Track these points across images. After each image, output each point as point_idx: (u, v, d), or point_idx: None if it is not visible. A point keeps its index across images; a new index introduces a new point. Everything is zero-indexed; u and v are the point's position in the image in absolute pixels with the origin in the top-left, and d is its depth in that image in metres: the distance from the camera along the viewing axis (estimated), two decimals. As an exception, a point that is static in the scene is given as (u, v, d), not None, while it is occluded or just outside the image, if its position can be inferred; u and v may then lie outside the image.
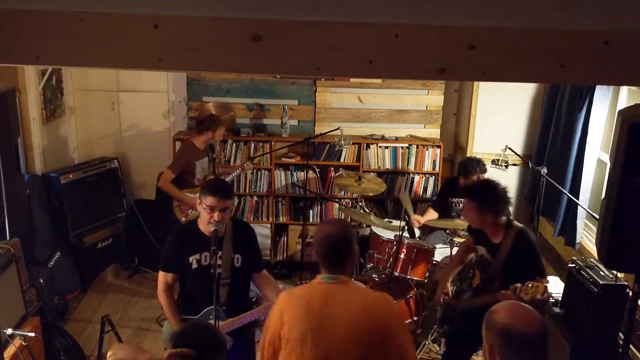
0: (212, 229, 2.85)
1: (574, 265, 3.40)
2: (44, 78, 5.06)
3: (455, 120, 5.94)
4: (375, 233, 4.58)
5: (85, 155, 5.73)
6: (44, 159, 5.07)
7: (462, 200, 4.76)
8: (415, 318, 4.34)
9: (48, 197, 4.95)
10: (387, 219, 5.06)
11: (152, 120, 5.82)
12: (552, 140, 4.74)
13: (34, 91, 4.88)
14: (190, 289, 3.08)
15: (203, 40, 1.99)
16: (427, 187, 5.64)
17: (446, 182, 5.20)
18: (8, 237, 3.23)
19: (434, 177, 5.62)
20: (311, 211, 5.64)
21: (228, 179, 5.04)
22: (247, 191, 5.65)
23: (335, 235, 2.30)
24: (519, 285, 2.95)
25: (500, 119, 5.32)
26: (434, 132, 5.74)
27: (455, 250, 4.23)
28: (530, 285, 2.91)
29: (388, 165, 5.63)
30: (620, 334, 3.07)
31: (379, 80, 5.53)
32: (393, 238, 4.37)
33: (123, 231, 5.60)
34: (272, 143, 5.53)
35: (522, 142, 5.41)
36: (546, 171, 4.22)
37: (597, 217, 3.05)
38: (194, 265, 3.01)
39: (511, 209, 4.68)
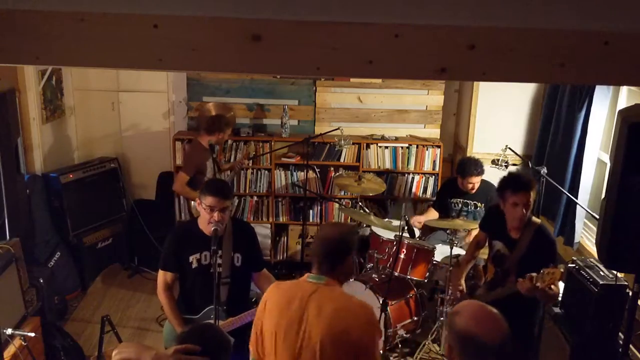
0: (212, 228, 2.85)
1: (573, 265, 3.40)
2: (44, 78, 5.07)
3: (455, 120, 5.94)
4: (375, 233, 4.58)
5: (85, 155, 5.73)
6: (44, 159, 5.07)
7: (461, 200, 4.80)
8: (415, 318, 4.35)
9: (48, 197, 4.96)
10: (387, 219, 5.06)
11: (152, 120, 5.82)
12: (552, 140, 4.74)
13: (34, 91, 4.88)
14: (191, 288, 3.09)
15: (203, 40, 1.99)
16: (427, 187, 5.64)
17: (445, 182, 5.20)
18: (8, 237, 3.24)
19: (434, 177, 5.62)
20: (311, 211, 5.64)
21: (228, 177, 5.06)
22: (247, 191, 5.65)
23: (334, 239, 2.30)
24: (534, 274, 2.94)
25: (500, 119, 5.32)
26: (433, 132, 5.74)
27: (455, 250, 4.23)
28: (546, 273, 2.90)
29: (388, 165, 5.63)
30: (620, 334, 3.07)
31: (379, 80, 5.53)
32: (393, 238, 4.37)
33: (123, 231, 5.60)
34: (272, 143, 5.53)
35: (522, 142, 5.40)
36: (546, 171, 4.22)
37: (597, 216, 3.05)
38: (194, 265, 3.01)
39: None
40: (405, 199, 5.00)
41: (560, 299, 3.57)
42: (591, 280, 3.18)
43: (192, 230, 3.05)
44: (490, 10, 1.96)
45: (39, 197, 4.85)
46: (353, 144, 5.41)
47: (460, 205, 4.80)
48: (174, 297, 3.11)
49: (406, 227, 4.12)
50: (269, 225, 5.70)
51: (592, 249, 4.13)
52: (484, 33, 1.96)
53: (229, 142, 5.52)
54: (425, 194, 5.63)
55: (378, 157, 5.60)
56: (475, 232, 4.13)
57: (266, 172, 5.60)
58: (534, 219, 3.32)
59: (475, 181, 4.63)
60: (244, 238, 3.11)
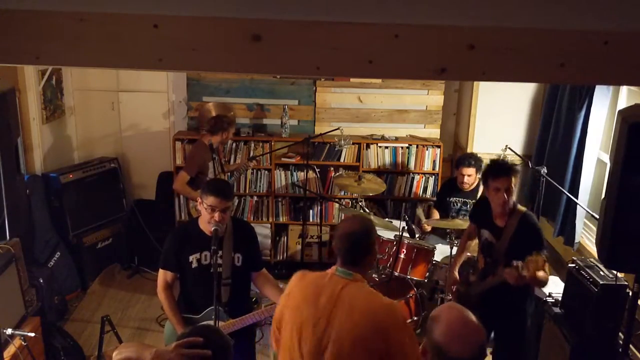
0: (213, 228, 2.85)
1: (573, 265, 3.40)
2: (44, 78, 5.07)
3: (455, 120, 5.94)
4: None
5: (85, 155, 5.73)
6: (44, 159, 5.07)
7: (460, 199, 4.80)
8: (415, 318, 4.34)
9: (48, 197, 4.96)
10: (387, 219, 5.06)
11: (152, 120, 5.82)
12: (552, 140, 4.75)
13: (34, 91, 4.88)
14: (191, 288, 3.09)
15: (203, 40, 1.99)
16: (427, 187, 5.64)
17: (445, 182, 5.21)
18: (8, 237, 3.23)
19: (434, 177, 5.62)
20: (311, 211, 5.64)
21: (232, 178, 5.07)
22: (247, 191, 5.65)
23: (357, 232, 2.29)
24: (520, 263, 2.99)
25: (500, 119, 5.32)
26: (433, 132, 5.74)
27: (455, 250, 4.23)
28: (529, 260, 2.96)
29: (388, 165, 5.63)
30: (620, 334, 3.07)
31: (379, 80, 5.53)
32: (393, 238, 4.37)
33: (123, 231, 5.60)
34: (272, 143, 5.53)
35: (522, 142, 5.41)
36: (546, 171, 4.22)
37: (597, 216, 3.05)
38: (194, 265, 3.01)
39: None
40: (423, 204, 5.07)
41: (560, 299, 3.57)
42: (591, 280, 3.18)
43: (193, 230, 3.05)
44: (490, 10, 1.96)
45: (39, 197, 4.85)
46: (353, 144, 5.42)
47: (459, 204, 4.80)
48: (173, 297, 3.11)
49: (406, 227, 4.13)
50: (269, 225, 5.70)
51: (592, 249, 4.13)
52: (484, 33, 1.97)
53: (229, 142, 5.51)
54: (425, 194, 5.63)
55: (378, 157, 5.60)
56: None
57: (266, 172, 5.60)
58: (520, 206, 3.36)
59: (468, 173, 4.63)
60: (244, 238, 3.11)
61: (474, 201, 4.77)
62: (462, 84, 5.72)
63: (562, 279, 3.85)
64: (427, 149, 5.56)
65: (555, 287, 3.80)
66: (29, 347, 3.26)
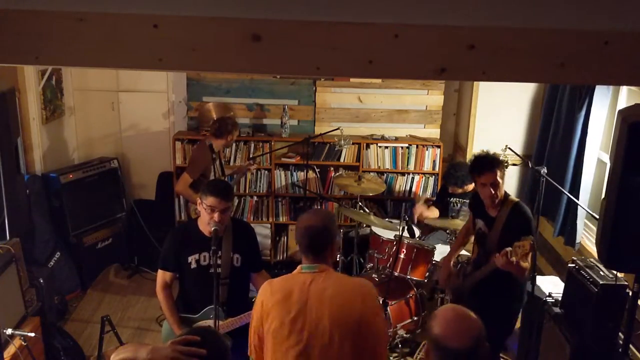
0: (213, 228, 2.85)
1: (573, 265, 3.40)
2: (44, 78, 5.06)
3: (455, 120, 5.94)
4: (375, 233, 4.58)
5: (85, 155, 5.73)
6: (44, 159, 5.07)
7: (460, 200, 4.79)
8: (415, 318, 4.34)
9: (48, 197, 4.95)
10: (387, 219, 5.06)
11: (152, 120, 5.82)
12: (552, 140, 4.74)
13: (34, 91, 4.88)
14: (189, 288, 3.09)
15: (203, 40, 1.99)
16: (427, 187, 5.64)
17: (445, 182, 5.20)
18: (8, 237, 3.23)
19: (433, 177, 5.62)
20: (311, 211, 5.63)
21: (234, 180, 5.06)
22: (247, 191, 5.65)
23: (316, 225, 2.32)
24: (509, 249, 3.05)
25: (500, 119, 5.32)
26: (433, 132, 5.74)
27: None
28: (516, 245, 3.02)
29: (388, 165, 5.63)
30: (620, 334, 3.07)
31: (379, 80, 5.53)
32: (393, 238, 4.37)
33: (123, 231, 5.60)
34: (272, 143, 5.53)
35: (522, 142, 5.41)
36: (546, 171, 4.21)
37: (597, 217, 3.05)
38: (193, 265, 3.01)
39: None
40: (419, 198, 5.05)
41: (560, 299, 3.57)
42: (591, 280, 3.18)
43: (192, 231, 3.05)
44: (490, 10, 1.96)
45: (39, 197, 4.85)
46: (353, 144, 5.42)
47: (459, 204, 4.80)
48: (172, 297, 3.11)
49: (406, 227, 4.13)
50: (269, 225, 5.70)
51: (593, 249, 4.13)
52: (484, 33, 1.97)
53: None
54: (425, 194, 5.63)
55: (378, 157, 5.60)
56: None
57: (266, 172, 5.60)
58: (511, 197, 3.41)
59: (471, 187, 4.60)
60: (243, 239, 3.11)
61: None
62: (462, 84, 5.72)
63: (562, 279, 3.85)
64: (427, 149, 5.56)
65: (555, 287, 3.79)
66: (29, 347, 3.26)
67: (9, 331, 3.14)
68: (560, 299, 3.57)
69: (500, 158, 4.37)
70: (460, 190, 4.66)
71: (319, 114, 5.69)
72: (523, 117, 5.38)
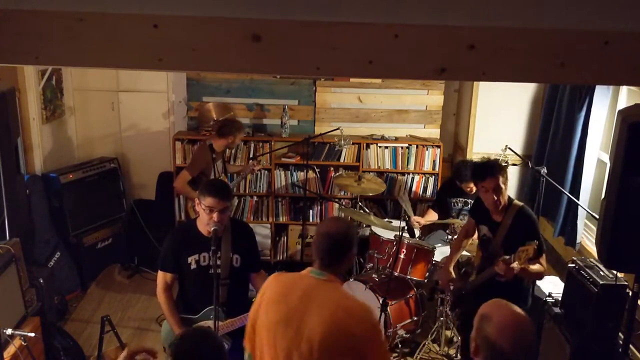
0: (212, 228, 2.85)
1: (573, 265, 3.40)
2: (44, 78, 5.06)
3: (455, 120, 5.94)
4: (375, 233, 4.58)
5: (85, 155, 5.73)
6: (44, 159, 5.07)
7: (461, 199, 4.80)
8: (415, 318, 4.35)
9: (48, 197, 4.96)
10: (387, 219, 5.06)
11: (152, 120, 5.82)
12: (552, 140, 4.74)
13: (34, 91, 4.88)
14: (189, 289, 3.09)
15: (203, 40, 1.99)
16: (427, 187, 5.64)
17: (445, 182, 5.20)
18: (8, 237, 3.23)
19: (433, 177, 5.62)
20: (311, 211, 5.64)
21: (235, 182, 5.06)
22: (247, 191, 5.65)
23: (337, 233, 2.28)
24: (506, 257, 3.06)
25: (500, 119, 5.32)
26: (433, 132, 5.74)
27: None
28: (520, 250, 3.01)
29: (388, 165, 5.63)
30: (620, 334, 3.07)
31: (379, 80, 5.53)
32: (393, 238, 4.37)
33: (123, 231, 5.60)
34: (272, 143, 5.53)
35: (522, 142, 5.40)
36: (546, 171, 4.21)
37: (597, 217, 3.05)
38: (193, 266, 3.01)
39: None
40: (403, 195, 5.01)
41: (560, 299, 3.57)
42: (591, 280, 3.18)
43: (191, 231, 3.04)
44: (490, 10, 1.96)
45: (39, 197, 4.85)
46: (353, 144, 5.41)
47: (460, 204, 4.79)
48: (172, 298, 3.11)
49: (406, 227, 4.13)
50: (269, 225, 5.70)
51: (593, 249, 4.13)
52: (484, 33, 1.97)
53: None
54: (425, 194, 5.63)
55: (378, 157, 5.60)
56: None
57: (266, 172, 5.60)
58: (516, 201, 3.40)
59: (470, 186, 4.60)
60: (243, 239, 3.11)
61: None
62: (462, 84, 5.72)
63: (562, 279, 3.85)
64: (427, 149, 5.56)
65: (555, 287, 3.80)
66: (29, 347, 3.25)
67: (9, 331, 3.14)
68: (560, 299, 3.57)
69: (500, 159, 4.39)
70: (472, 185, 4.60)
71: (319, 114, 5.70)
72: (523, 117, 5.38)
